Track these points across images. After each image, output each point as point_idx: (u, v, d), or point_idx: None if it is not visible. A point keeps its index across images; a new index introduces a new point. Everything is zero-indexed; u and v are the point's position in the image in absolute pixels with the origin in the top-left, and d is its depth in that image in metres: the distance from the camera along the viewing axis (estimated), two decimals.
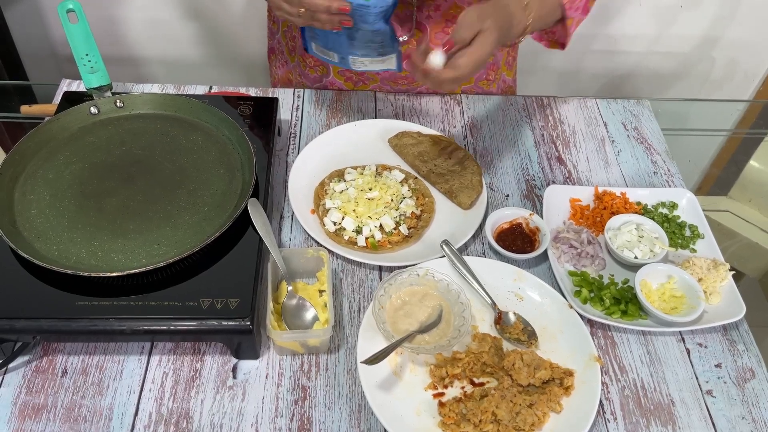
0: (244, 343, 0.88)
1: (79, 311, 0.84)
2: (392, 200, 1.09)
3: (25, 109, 1.25)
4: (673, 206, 1.14)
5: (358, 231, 1.05)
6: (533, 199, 1.16)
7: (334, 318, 0.89)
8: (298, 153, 1.17)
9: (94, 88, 1.12)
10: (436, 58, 0.89)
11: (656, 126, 1.34)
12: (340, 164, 1.17)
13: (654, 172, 1.23)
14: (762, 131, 1.99)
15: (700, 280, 1.00)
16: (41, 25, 2.06)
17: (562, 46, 1.15)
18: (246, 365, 0.90)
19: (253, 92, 1.31)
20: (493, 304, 0.96)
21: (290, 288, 0.93)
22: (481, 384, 0.89)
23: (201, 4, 2.01)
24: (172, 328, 0.85)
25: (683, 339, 0.97)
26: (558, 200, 1.13)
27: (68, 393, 0.85)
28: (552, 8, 1.04)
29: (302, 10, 0.93)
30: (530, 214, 1.08)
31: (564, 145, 1.27)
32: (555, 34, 1.14)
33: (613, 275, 1.04)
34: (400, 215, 1.08)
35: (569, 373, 0.89)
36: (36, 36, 2.07)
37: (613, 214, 1.10)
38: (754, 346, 0.97)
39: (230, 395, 0.87)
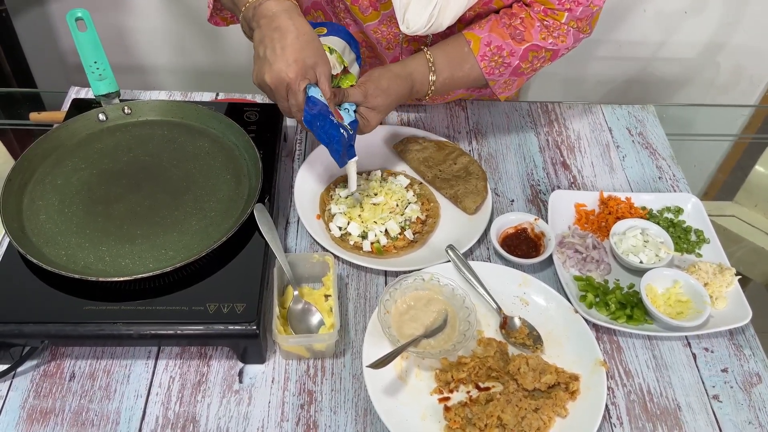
0: (251, 347, 0.88)
1: (87, 316, 0.85)
2: (397, 205, 1.10)
3: (34, 116, 1.27)
4: (679, 211, 1.14)
5: (364, 236, 1.05)
6: (538, 204, 1.17)
7: (339, 322, 0.90)
8: (304, 159, 1.18)
9: (103, 96, 1.13)
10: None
11: (661, 131, 1.34)
12: (345, 170, 1.17)
13: (659, 177, 1.24)
14: (767, 136, 1.98)
15: (706, 284, 1.00)
16: (50, 34, 2.08)
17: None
18: (252, 369, 0.90)
19: (259, 99, 1.32)
20: (499, 309, 0.96)
21: (296, 293, 0.94)
22: (487, 388, 0.89)
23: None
24: (179, 332, 0.85)
25: (689, 344, 0.97)
26: (563, 205, 1.13)
27: (76, 397, 0.86)
28: (468, 71, 1.11)
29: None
30: (535, 219, 1.09)
31: (569, 150, 1.28)
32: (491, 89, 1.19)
33: (618, 280, 1.04)
34: (406, 220, 1.08)
35: (575, 378, 0.89)
36: (45, 44, 2.10)
37: (618, 219, 1.10)
38: (761, 351, 0.97)
39: (236, 399, 0.87)
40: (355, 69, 1.08)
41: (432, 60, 1.09)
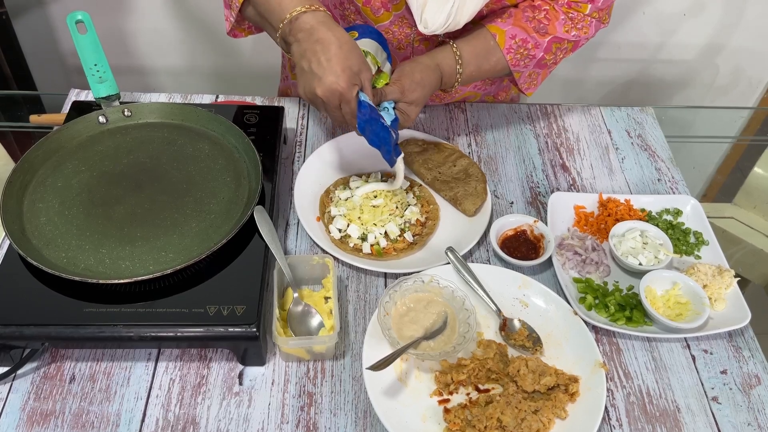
0: (251, 349, 0.88)
1: (87, 318, 0.85)
2: (397, 207, 1.10)
3: (35, 119, 1.27)
4: (678, 213, 1.14)
5: (363, 238, 1.05)
6: (537, 206, 1.17)
7: (339, 324, 0.90)
8: (304, 161, 1.18)
9: (103, 98, 1.13)
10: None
11: (660, 133, 1.34)
12: (345, 172, 1.17)
13: (658, 179, 1.24)
14: (766, 138, 1.99)
15: (705, 286, 1.00)
16: (50, 36, 2.08)
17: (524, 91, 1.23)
18: (252, 372, 0.90)
19: (259, 101, 1.33)
20: (498, 311, 0.97)
21: (296, 295, 0.94)
22: (486, 390, 0.89)
23: (207, 15, 2.03)
24: (179, 334, 0.85)
25: (688, 345, 0.97)
26: (562, 207, 1.13)
27: (76, 399, 0.86)
28: (494, 64, 1.13)
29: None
30: (534, 221, 1.09)
31: (568, 152, 1.28)
32: (515, 83, 1.21)
33: (617, 282, 1.04)
34: (405, 222, 1.08)
35: (574, 380, 0.89)
36: (45, 46, 2.10)
37: (618, 220, 1.10)
38: (760, 353, 0.97)
39: (236, 401, 0.87)
40: (387, 68, 1.10)
41: (459, 53, 1.10)
